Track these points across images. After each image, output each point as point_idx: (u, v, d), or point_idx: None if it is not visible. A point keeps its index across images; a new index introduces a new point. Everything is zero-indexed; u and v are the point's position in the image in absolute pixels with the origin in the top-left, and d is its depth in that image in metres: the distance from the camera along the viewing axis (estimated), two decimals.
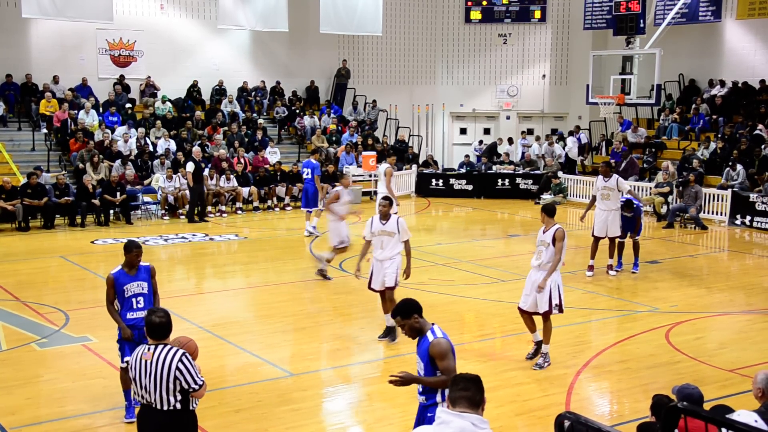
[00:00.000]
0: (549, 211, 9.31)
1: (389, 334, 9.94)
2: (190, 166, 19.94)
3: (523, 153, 26.45)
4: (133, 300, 7.31)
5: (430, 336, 5.21)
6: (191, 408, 5.30)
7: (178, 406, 5.19)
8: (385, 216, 9.67)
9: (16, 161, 21.03)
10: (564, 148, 25.66)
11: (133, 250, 7.37)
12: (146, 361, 5.19)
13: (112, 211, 19.71)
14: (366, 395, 8.19)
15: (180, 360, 5.17)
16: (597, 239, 13.74)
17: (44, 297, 12.30)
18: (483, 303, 11.94)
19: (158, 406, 5.17)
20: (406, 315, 5.31)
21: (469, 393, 3.71)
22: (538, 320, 9.12)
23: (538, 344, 9.14)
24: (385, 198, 9.79)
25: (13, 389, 8.28)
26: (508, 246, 17.60)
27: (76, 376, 8.65)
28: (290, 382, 8.60)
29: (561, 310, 8.97)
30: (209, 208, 20.92)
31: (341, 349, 9.95)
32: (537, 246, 9.22)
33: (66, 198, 19.02)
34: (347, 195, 13.87)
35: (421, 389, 5.29)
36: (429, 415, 5.19)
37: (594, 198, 13.75)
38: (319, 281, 13.35)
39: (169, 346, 5.27)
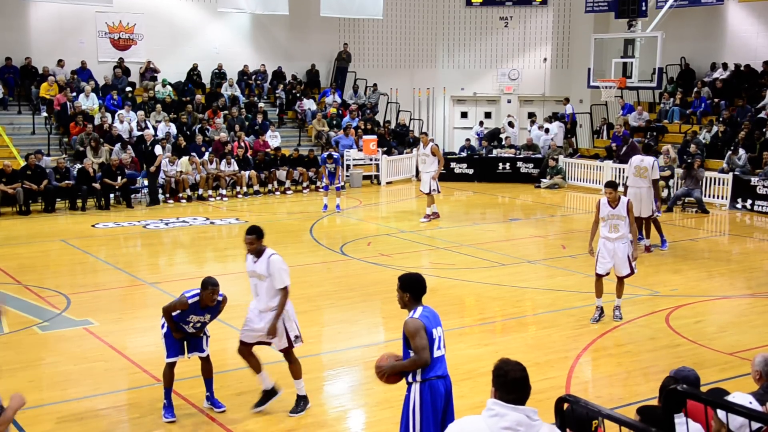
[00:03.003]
0: (616, 185, 10.05)
1: (264, 398, 7.43)
2: (159, 150, 20.23)
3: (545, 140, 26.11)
4: (191, 323, 7.18)
5: (408, 316, 5.29)
6: None
7: None
8: (254, 252, 7.19)
9: (16, 145, 21.00)
10: (548, 133, 25.59)
11: (208, 287, 7.00)
12: None
13: (112, 195, 19.72)
14: (366, 378, 8.21)
15: None
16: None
17: (45, 280, 12.32)
18: (484, 286, 11.96)
19: None
20: (405, 287, 5.41)
21: (522, 395, 3.72)
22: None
23: (601, 309, 10.00)
24: (251, 231, 7.16)
25: (15, 372, 8.31)
26: (508, 230, 17.60)
27: (78, 360, 8.68)
28: None
29: (633, 271, 10.05)
30: (210, 192, 20.95)
31: (342, 333, 9.97)
32: (607, 220, 9.86)
33: (66, 182, 19.02)
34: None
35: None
36: (406, 394, 5.33)
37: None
38: (320, 264, 13.38)
39: None
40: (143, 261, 14.59)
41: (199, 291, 7.01)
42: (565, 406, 3.90)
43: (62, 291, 11.49)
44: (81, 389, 7.84)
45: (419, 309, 5.32)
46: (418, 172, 17.78)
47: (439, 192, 17.71)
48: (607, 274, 10.06)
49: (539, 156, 24.73)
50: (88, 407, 7.40)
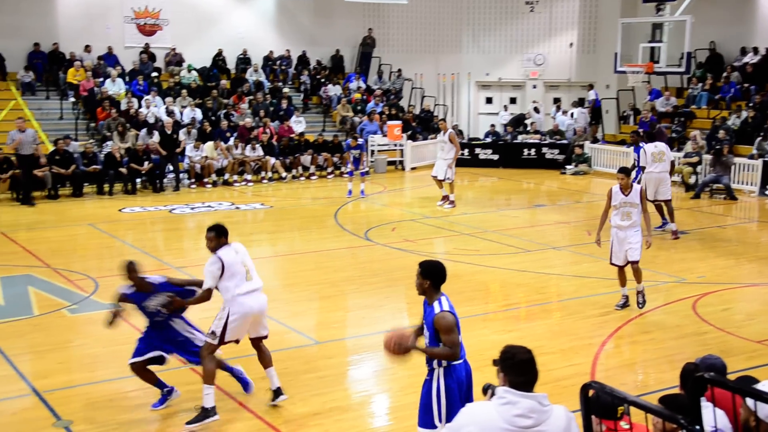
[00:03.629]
0: (629, 171, 9.99)
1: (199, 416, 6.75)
2: (157, 137, 20.35)
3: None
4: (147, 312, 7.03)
5: (437, 307, 5.22)
6: None
7: None
8: (212, 250, 6.93)
9: (44, 130, 21.21)
10: (573, 119, 25.39)
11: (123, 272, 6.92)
12: None
13: (139, 180, 19.89)
14: (391, 363, 8.25)
15: None
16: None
17: (73, 264, 12.48)
18: (508, 273, 11.93)
19: None
20: (426, 274, 5.32)
21: (531, 377, 3.72)
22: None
23: (626, 297, 9.93)
24: (210, 229, 6.94)
25: (45, 354, 8.45)
26: (533, 216, 17.53)
27: (106, 342, 8.78)
28: (315, 350, 8.68)
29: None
30: (235, 177, 21.07)
31: (366, 318, 10.00)
32: (620, 208, 9.74)
33: (94, 166, 19.21)
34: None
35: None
36: (427, 378, 5.31)
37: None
38: (344, 250, 13.41)
39: None
40: (169, 245, 14.72)
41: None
42: (590, 392, 3.89)
43: (90, 274, 11.63)
44: (109, 371, 7.95)
45: (443, 300, 5.27)
46: None
47: (452, 180, 17.64)
48: (624, 264, 9.82)
49: (564, 142, 24.56)
50: (117, 389, 7.51)
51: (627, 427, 4.26)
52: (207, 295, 6.83)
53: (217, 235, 6.87)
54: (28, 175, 18.02)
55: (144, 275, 6.95)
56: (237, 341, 6.96)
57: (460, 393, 5.25)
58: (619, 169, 10.13)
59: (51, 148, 19.56)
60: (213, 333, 6.77)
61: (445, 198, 17.69)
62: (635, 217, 9.72)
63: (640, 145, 15.19)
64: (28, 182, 18.09)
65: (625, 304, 9.93)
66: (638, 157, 14.90)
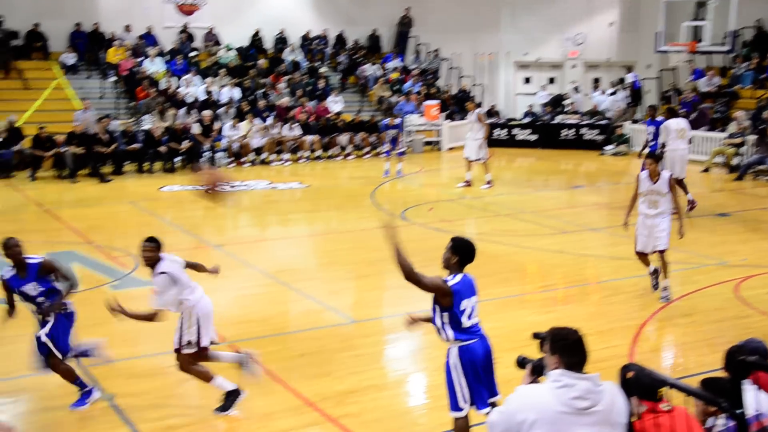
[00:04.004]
0: (659, 157, 9.65)
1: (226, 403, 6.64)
2: (198, 128, 20.56)
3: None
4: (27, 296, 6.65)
5: (450, 280, 5.33)
6: None
7: None
8: (150, 263, 6.59)
9: None
10: (613, 98, 25.04)
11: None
12: None
13: (178, 158, 20.09)
14: (428, 343, 8.26)
15: None
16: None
17: (115, 241, 12.68)
18: (545, 254, 11.85)
19: None
20: (456, 250, 5.42)
21: (583, 357, 3.71)
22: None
23: (654, 270, 9.55)
24: (149, 240, 6.60)
25: (90, 328, 8.57)
26: (572, 197, 17.37)
27: None
28: (352, 329, 8.73)
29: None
30: (272, 156, 21.20)
31: (403, 297, 10.00)
32: (646, 195, 9.32)
33: (134, 145, 19.45)
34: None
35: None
36: (447, 358, 5.39)
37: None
38: (381, 229, 13.44)
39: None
40: (208, 223, 14.87)
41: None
42: (629, 374, 3.87)
43: (131, 251, 11.80)
44: (149, 347, 8.08)
45: (459, 276, 5.33)
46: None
47: (485, 159, 17.49)
48: (649, 253, 9.45)
49: (604, 122, 24.25)
50: (156, 364, 7.63)
51: (667, 408, 4.22)
52: (154, 317, 6.53)
53: (158, 247, 6.52)
54: (95, 152, 18.71)
55: (26, 255, 6.53)
56: (213, 343, 6.73)
57: (476, 372, 5.28)
58: (647, 154, 9.85)
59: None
60: (189, 343, 6.51)
61: (488, 181, 17.51)
62: (663, 206, 9.24)
63: (658, 119, 14.99)
64: (97, 159, 18.69)
65: (657, 281, 9.60)
66: (656, 131, 14.68)
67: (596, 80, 27.44)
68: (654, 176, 9.27)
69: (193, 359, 6.58)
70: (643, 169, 9.85)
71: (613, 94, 25.46)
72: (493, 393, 5.37)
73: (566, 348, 3.69)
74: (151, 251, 6.50)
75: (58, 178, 18.58)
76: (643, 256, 9.58)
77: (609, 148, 23.08)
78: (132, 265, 11.08)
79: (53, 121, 19.88)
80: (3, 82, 21.84)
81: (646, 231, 9.36)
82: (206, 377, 6.63)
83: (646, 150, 14.66)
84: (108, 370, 7.37)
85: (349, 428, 6.29)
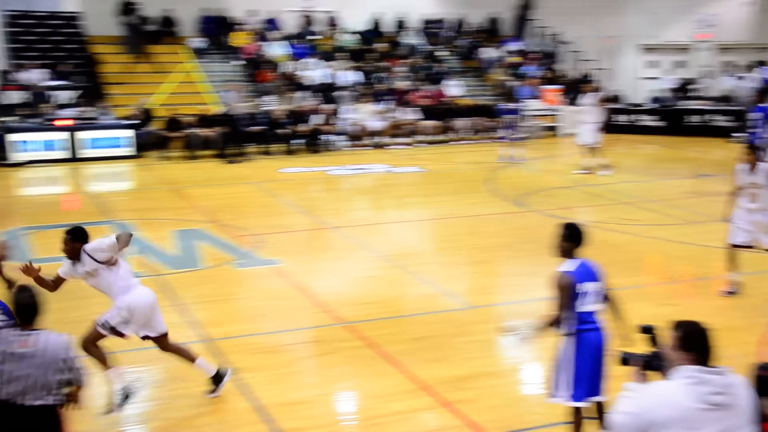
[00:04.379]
0: (756, 147, 8.84)
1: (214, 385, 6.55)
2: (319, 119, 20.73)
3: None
4: None
5: (560, 268, 5.21)
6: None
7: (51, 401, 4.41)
8: (71, 255, 6.03)
9: (211, 92, 22.30)
10: (748, 83, 23.73)
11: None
12: (22, 350, 4.31)
13: (299, 141, 20.55)
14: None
15: (69, 348, 4.47)
16: None
17: (238, 220, 13.13)
18: (670, 244, 11.45)
19: (26, 402, 4.32)
20: (566, 238, 5.36)
21: (712, 351, 3.61)
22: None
23: (735, 285, 9.03)
24: (68, 231, 6.06)
25: (215, 304, 8.98)
26: (698, 186, 16.68)
27: (268, 297, 9.22)
28: (468, 314, 8.72)
29: None
30: (390, 140, 21.38)
31: (520, 285, 9.92)
32: (745, 188, 8.71)
33: (257, 127, 20.04)
34: None
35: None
36: (559, 346, 5.28)
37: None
38: (498, 215, 13.35)
39: (48, 331, 4.45)
40: (326, 206, 15.17)
41: None
42: (763, 373, 3.72)
43: (253, 231, 12.20)
44: (270, 324, 8.34)
45: (574, 262, 5.25)
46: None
47: (597, 145, 17.02)
48: (748, 247, 8.74)
49: (736, 108, 23.09)
50: (277, 342, 7.87)
51: None
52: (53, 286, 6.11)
53: (74, 239, 6.00)
54: (241, 133, 19.65)
55: None
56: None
57: (588, 363, 5.16)
58: (746, 143, 9.19)
59: (217, 109, 20.55)
60: (104, 324, 6.11)
61: (590, 169, 17.06)
62: (764, 200, 8.55)
63: (765, 105, 14.10)
64: (242, 139, 19.58)
65: (731, 293, 8.92)
66: (764, 118, 13.77)
67: (729, 63, 26.10)
68: (752, 167, 8.62)
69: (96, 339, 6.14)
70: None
71: (740, 78, 24.16)
72: (599, 390, 5.22)
73: (697, 343, 3.57)
74: (65, 243, 6.03)
75: (186, 159, 19.37)
76: (735, 252, 8.93)
77: (739, 134, 21.96)
78: (254, 244, 11.46)
79: (182, 104, 20.73)
80: (136, 66, 22.90)
81: (747, 223, 8.76)
82: (188, 356, 6.53)
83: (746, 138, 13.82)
84: (234, 345, 7.65)
85: (464, 413, 6.30)
